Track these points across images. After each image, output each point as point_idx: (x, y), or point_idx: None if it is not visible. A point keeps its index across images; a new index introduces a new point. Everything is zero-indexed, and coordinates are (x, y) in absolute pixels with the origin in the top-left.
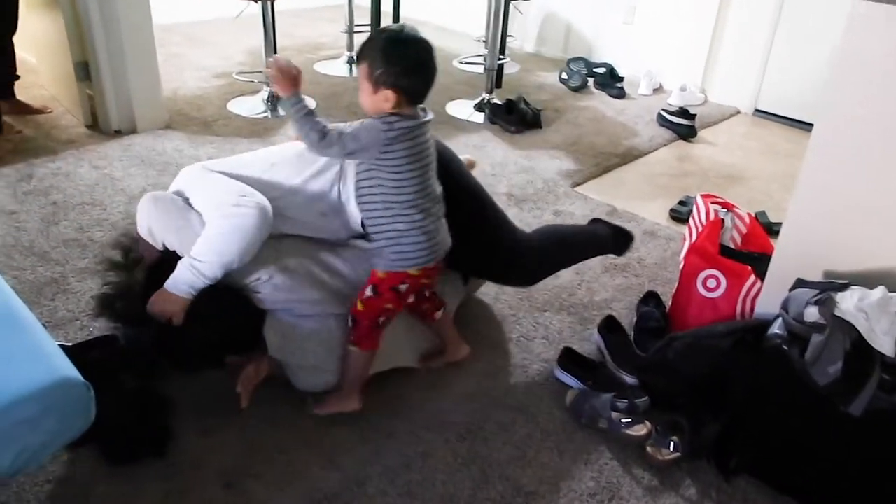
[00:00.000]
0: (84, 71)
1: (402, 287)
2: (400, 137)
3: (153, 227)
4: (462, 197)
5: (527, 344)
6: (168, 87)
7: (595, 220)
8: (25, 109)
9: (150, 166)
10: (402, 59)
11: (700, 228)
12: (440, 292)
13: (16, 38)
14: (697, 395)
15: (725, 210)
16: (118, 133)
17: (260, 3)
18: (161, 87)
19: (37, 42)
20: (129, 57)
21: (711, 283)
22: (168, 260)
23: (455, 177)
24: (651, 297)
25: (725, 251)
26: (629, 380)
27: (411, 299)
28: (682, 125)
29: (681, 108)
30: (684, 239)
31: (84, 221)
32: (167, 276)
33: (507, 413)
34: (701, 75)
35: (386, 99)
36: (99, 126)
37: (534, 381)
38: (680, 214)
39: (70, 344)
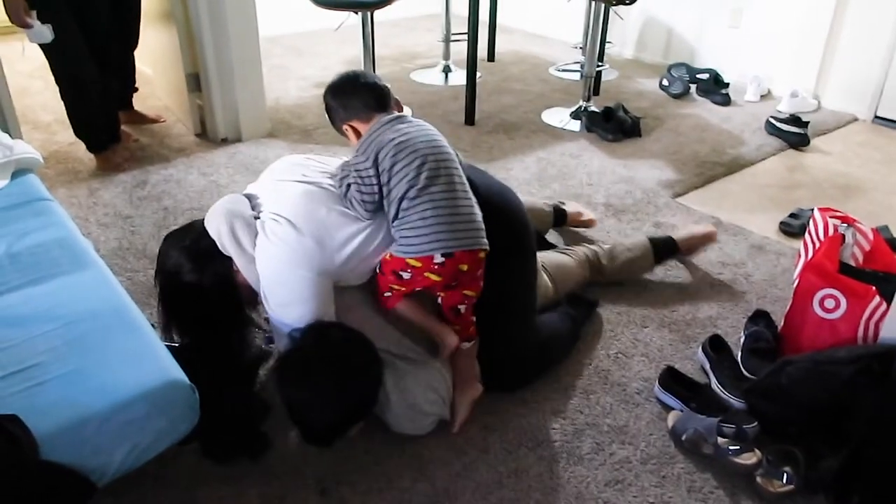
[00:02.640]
0: (195, 82)
1: (404, 274)
2: (373, 138)
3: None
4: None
5: (625, 361)
6: (271, 97)
7: (571, 299)
8: (142, 119)
9: (254, 174)
10: (333, 99)
11: (817, 244)
12: None
13: (136, 52)
14: (813, 424)
15: (846, 225)
16: (224, 141)
17: (360, 14)
18: (265, 97)
19: (153, 55)
20: (237, 68)
21: (830, 304)
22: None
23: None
24: (761, 316)
25: (846, 269)
26: (736, 403)
27: (439, 298)
28: (794, 133)
29: (792, 115)
30: (798, 255)
31: None
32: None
33: (603, 433)
34: (814, 80)
35: (349, 136)
36: (207, 135)
37: (632, 400)
38: (791, 228)
39: (176, 345)
